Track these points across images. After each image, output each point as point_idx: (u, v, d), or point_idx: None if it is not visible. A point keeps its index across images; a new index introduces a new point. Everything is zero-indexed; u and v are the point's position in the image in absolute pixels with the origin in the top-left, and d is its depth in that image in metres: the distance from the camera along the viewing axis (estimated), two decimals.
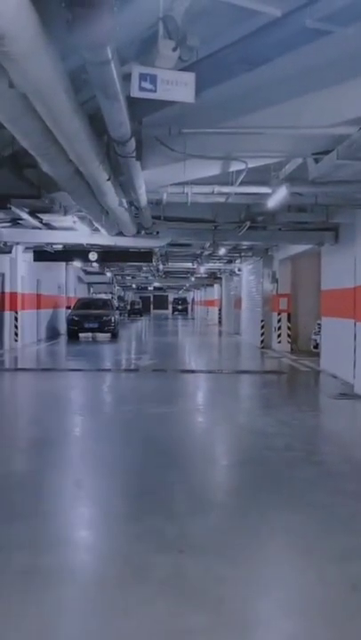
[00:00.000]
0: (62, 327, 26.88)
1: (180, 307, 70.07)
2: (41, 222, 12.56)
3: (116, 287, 46.74)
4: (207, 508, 5.03)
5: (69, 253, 18.72)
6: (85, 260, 18.39)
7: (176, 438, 7.55)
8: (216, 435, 8.29)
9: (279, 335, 19.78)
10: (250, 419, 9.21)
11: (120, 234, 13.64)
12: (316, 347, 16.04)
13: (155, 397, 10.76)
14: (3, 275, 18.84)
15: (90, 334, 25.54)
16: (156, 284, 53.95)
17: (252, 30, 4.86)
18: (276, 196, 9.82)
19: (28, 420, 9.19)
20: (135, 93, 4.70)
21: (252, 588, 3.70)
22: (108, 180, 7.73)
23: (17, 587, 3.64)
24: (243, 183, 9.07)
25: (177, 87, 4.67)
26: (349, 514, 4.89)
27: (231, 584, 3.71)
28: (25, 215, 11.53)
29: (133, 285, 54.13)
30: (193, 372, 14.86)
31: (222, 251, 19.17)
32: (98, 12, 3.85)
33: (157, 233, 14.43)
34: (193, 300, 70.33)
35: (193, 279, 40.68)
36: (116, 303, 33.37)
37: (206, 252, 19.88)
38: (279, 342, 19.71)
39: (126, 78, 5.08)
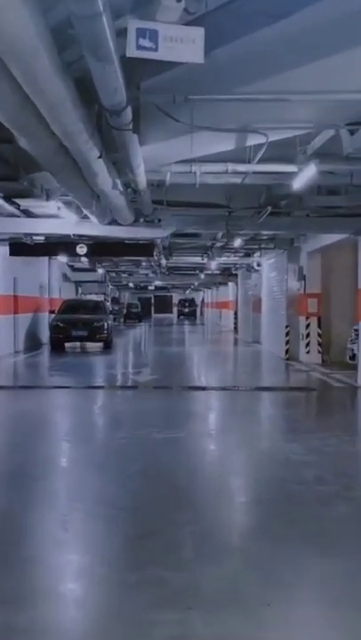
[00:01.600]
0: (45, 335, 26.95)
1: (186, 309, 70.21)
2: (18, 209, 12.62)
3: (110, 287, 46.85)
4: (221, 555, 5.02)
5: (53, 246, 18.77)
6: (73, 254, 18.45)
7: (183, 470, 7.55)
8: (231, 465, 8.28)
9: (308, 344, 19.77)
10: (273, 446, 9.20)
11: (114, 222, 13.68)
12: (353, 358, 16.04)
13: (157, 420, 10.77)
14: None
15: (78, 344, 25.59)
16: (158, 283, 54.04)
17: None
18: (304, 176, 9.84)
19: (4, 447, 9.21)
20: (132, 53, 4.72)
21: None
22: (100, 157, 7.77)
23: None
24: (262, 160, 9.11)
25: (182, 45, 4.70)
26: None
27: None
28: (0, 200, 11.59)
29: (131, 285, 54.24)
30: (203, 389, 14.87)
31: (238, 242, 19.21)
32: None
33: (159, 221, 14.46)
34: (203, 301, 70.41)
35: (202, 277, 40.74)
36: (109, 306, 33.43)
37: (218, 244, 19.95)
38: (308, 352, 19.70)
39: (121, 35, 5.11)
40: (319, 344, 19.73)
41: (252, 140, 8.24)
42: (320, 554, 5.01)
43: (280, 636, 3.86)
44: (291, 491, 6.65)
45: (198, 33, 4.74)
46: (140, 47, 4.70)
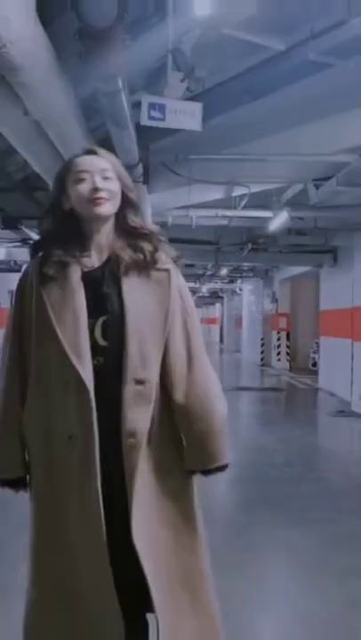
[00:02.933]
0: None
1: None
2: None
3: None
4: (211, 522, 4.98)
5: None
6: None
7: None
8: None
9: (279, 353, 19.76)
10: (250, 435, 9.16)
11: None
12: (315, 365, 16.03)
13: None
14: (12, 292, 18.87)
15: None
16: None
17: (257, 63, 4.92)
18: (278, 220, 9.86)
19: None
20: (145, 122, 4.74)
21: (255, 604, 3.66)
22: None
23: None
24: (245, 207, 9.11)
25: (185, 116, 4.72)
26: (350, 531, 4.85)
27: (235, 599, 3.67)
28: (35, 235, 11.57)
29: None
30: None
31: (224, 271, 19.21)
32: (110, 45, 3.89)
33: None
34: None
35: (195, 298, 40.77)
36: None
37: (209, 273, 19.94)
38: (278, 360, 19.68)
39: (135, 106, 5.12)
40: (288, 353, 19.72)
41: (238, 191, 8.25)
42: (292, 523, 4.98)
43: (257, 589, 3.83)
44: (265, 472, 6.61)
45: (197, 107, 4.76)
46: (150, 117, 4.71)
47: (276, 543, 4.58)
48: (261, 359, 20.81)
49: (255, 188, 7.94)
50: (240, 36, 4.53)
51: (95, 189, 1.97)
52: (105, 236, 2.05)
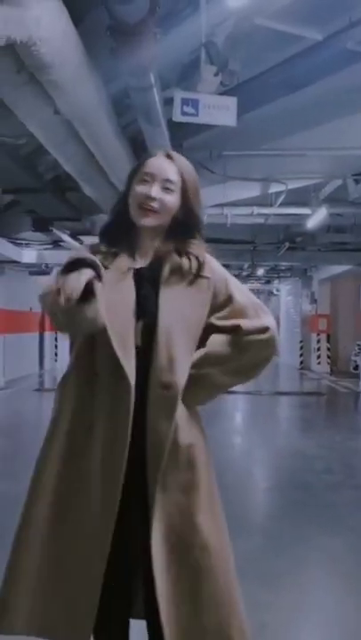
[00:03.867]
0: None
1: None
2: (81, 244, 12.71)
3: None
4: (246, 531, 4.97)
5: None
6: None
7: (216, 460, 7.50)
8: (255, 456, 8.23)
9: (318, 356, 19.61)
10: (289, 441, 9.12)
11: None
12: (357, 368, 15.87)
13: None
14: None
15: None
16: None
17: (293, 54, 4.90)
18: (316, 217, 9.82)
19: None
20: (178, 118, 4.77)
21: (293, 613, 3.65)
22: None
23: None
24: (282, 204, 9.11)
25: (219, 111, 4.73)
26: None
27: (272, 609, 3.67)
28: (66, 237, 11.71)
29: None
30: (230, 392, 14.77)
31: (261, 271, 19.16)
32: (141, 40, 3.93)
33: None
34: None
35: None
36: None
37: (245, 273, 19.90)
38: (318, 363, 19.53)
39: (168, 102, 5.16)
40: (328, 356, 19.56)
41: (274, 188, 8.25)
42: (331, 531, 4.94)
43: (295, 599, 3.81)
44: (304, 479, 6.58)
45: (232, 101, 4.77)
46: (184, 113, 4.74)
47: (315, 551, 4.54)
48: (301, 362, 20.68)
49: (292, 185, 7.93)
50: (275, 27, 4.53)
51: (148, 196, 1.98)
52: (152, 239, 2.06)
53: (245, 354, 2.04)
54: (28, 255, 13.83)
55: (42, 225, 11.27)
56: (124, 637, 2.10)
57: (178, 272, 2.01)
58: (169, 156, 2.04)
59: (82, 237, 12.17)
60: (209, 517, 2.03)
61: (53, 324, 1.93)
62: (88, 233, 11.54)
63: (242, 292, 2.12)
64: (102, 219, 10.27)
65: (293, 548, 4.58)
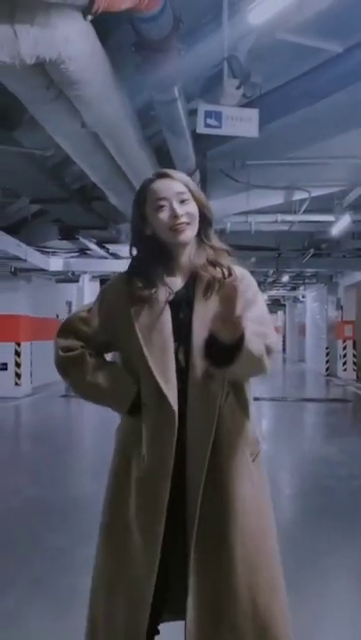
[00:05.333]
0: None
1: None
2: (107, 252, 12.89)
3: None
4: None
5: None
6: None
7: None
8: (280, 462, 8.28)
9: (344, 363, 19.54)
10: (314, 447, 9.16)
11: None
12: None
13: None
14: (70, 303, 19.32)
15: None
16: None
17: (313, 66, 5.00)
18: (340, 224, 9.88)
19: None
20: (201, 130, 4.89)
21: (318, 620, 3.71)
22: None
23: None
24: (306, 211, 9.18)
25: (241, 123, 4.84)
26: None
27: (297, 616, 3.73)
28: (92, 245, 11.87)
29: None
30: (256, 399, 14.77)
31: (286, 278, 19.20)
32: (165, 56, 4.08)
33: None
34: None
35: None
36: None
37: (270, 280, 19.93)
38: (345, 370, 19.47)
39: (192, 114, 5.29)
40: (354, 363, 19.49)
41: (298, 196, 8.34)
42: (352, 538, 4.99)
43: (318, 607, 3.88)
44: (328, 484, 6.63)
45: (254, 113, 4.87)
46: (207, 125, 4.84)
47: (339, 558, 4.60)
48: (326, 369, 20.62)
49: (316, 192, 8.00)
50: (296, 40, 4.65)
51: (175, 217, 2.05)
52: (188, 257, 2.15)
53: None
54: (55, 263, 14.03)
55: (68, 233, 11.46)
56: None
57: (210, 288, 2.10)
58: (164, 175, 2.13)
59: (108, 245, 12.35)
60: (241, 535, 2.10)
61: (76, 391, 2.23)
62: (114, 241, 11.72)
63: (258, 306, 2.18)
64: (128, 227, 10.41)
65: (317, 554, 4.62)
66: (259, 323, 2.05)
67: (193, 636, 1.99)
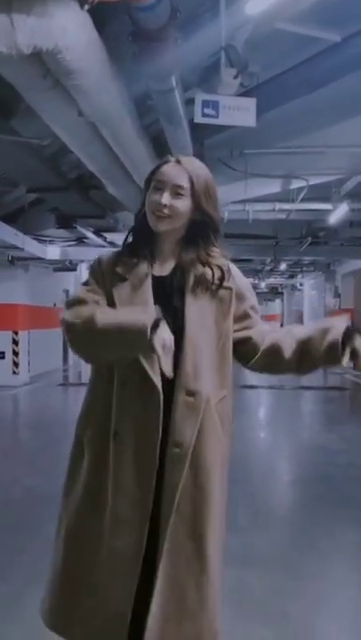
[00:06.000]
0: None
1: None
2: (105, 241, 12.88)
3: None
4: (270, 523, 5.09)
5: None
6: None
7: (238, 453, 7.59)
8: (279, 450, 8.33)
9: None
10: (312, 435, 9.21)
11: None
12: None
13: None
14: (67, 291, 19.33)
15: None
16: None
17: (311, 55, 4.99)
18: (338, 213, 9.88)
19: None
20: (199, 119, 4.88)
21: (317, 604, 3.76)
22: None
23: None
24: (304, 200, 9.18)
25: (239, 112, 4.84)
26: None
27: (297, 599, 3.78)
28: (90, 234, 11.86)
29: None
30: (253, 387, 14.83)
31: (283, 266, 19.22)
32: (162, 45, 4.06)
33: None
34: None
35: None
36: None
37: (267, 268, 19.96)
38: None
39: (189, 103, 5.28)
40: None
41: (295, 184, 8.33)
42: (351, 524, 5.04)
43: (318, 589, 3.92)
44: (327, 472, 6.67)
45: (251, 102, 4.87)
46: (204, 115, 4.84)
47: (338, 543, 4.65)
48: None
49: (313, 181, 8.00)
50: (294, 30, 4.64)
51: (158, 204, 2.06)
52: (169, 246, 2.16)
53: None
54: (52, 252, 14.03)
55: (66, 222, 11.44)
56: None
57: (202, 282, 2.10)
58: (179, 162, 2.11)
59: (105, 234, 12.34)
60: (216, 529, 2.09)
61: (93, 351, 2.04)
62: (111, 230, 11.70)
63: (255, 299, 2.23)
64: (125, 216, 10.42)
65: (316, 539, 4.68)
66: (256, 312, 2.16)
67: (157, 620, 1.98)
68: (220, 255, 2.18)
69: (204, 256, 2.14)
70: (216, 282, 2.11)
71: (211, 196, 2.13)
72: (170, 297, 2.10)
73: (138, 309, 2.01)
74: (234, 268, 2.20)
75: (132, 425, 2.01)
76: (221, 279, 2.11)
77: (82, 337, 2.02)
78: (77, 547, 2.11)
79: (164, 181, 2.08)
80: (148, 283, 2.09)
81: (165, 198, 2.06)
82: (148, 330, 1.85)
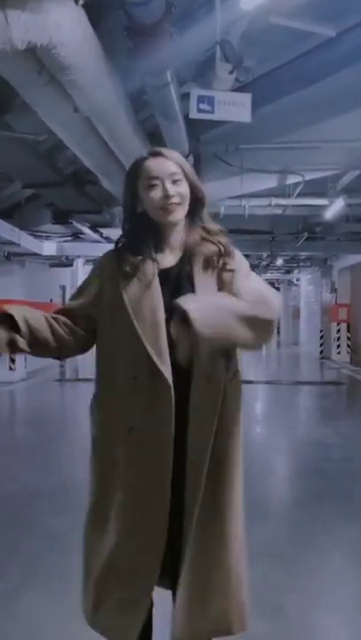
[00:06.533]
0: None
1: None
2: (101, 236, 12.87)
3: None
4: (266, 517, 5.10)
5: None
6: None
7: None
8: (275, 445, 8.35)
9: (338, 346, 19.62)
10: (308, 430, 9.23)
11: None
12: None
13: None
14: (64, 287, 19.32)
15: None
16: None
17: (306, 50, 4.99)
18: (334, 208, 9.88)
19: None
20: (194, 115, 4.89)
21: (313, 598, 3.78)
22: None
23: None
24: (300, 195, 9.18)
25: (234, 108, 4.84)
26: None
27: (293, 593, 3.80)
28: (86, 229, 11.86)
29: None
30: (250, 382, 14.86)
31: (280, 261, 19.22)
32: (157, 40, 4.07)
33: None
34: None
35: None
36: None
37: (264, 263, 19.94)
38: (338, 353, 19.54)
39: (185, 98, 5.28)
40: (348, 346, 19.56)
41: (291, 179, 8.33)
42: (346, 519, 5.06)
43: (314, 583, 3.94)
44: (323, 466, 6.69)
45: (246, 98, 4.87)
46: (200, 110, 4.84)
47: (333, 538, 4.67)
48: (321, 352, 20.70)
49: (309, 176, 8.00)
50: (289, 24, 4.63)
51: (167, 196, 2.08)
52: (178, 235, 2.18)
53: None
54: (49, 247, 14.01)
55: (62, 217, 11.43)
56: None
57: (209, 263, 2.14)
58: (158, 153, 2.14)
59: (101, 229, 12.34)
60: (233, 513, 2.18)
61: None
62: (108, 225, 11.70)
63: (249, 281, 2.20)
64: (121, 211, 10.43)
65: (312, 534, 4.71)
66: (254, 295, 2.10)
67: (184, 600, 2.06)
68: (217, 230, 2.22)
69: (205, 233, 2.18)
70: (221, 262, 2.14)
71: (193, 171, 2.20)
72: (179, 287, 2.11)
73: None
74: (237, 254, 2.22)
75: (146, 419, 2.04)
76: (225, 257, 2.15)
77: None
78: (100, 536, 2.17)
79: (158, 176, 2.10)
80: (156, 280, 2.11)
81: (171, 189, 2.09)
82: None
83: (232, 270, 2.15)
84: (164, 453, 2.03)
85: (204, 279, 2.11)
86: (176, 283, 2.12)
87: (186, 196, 2.12)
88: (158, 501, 2.04)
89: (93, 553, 2.17)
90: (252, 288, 2.15)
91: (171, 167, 2.11)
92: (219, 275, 2.13)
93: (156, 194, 2.09)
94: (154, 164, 2.12)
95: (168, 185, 2.08)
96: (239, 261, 2.21)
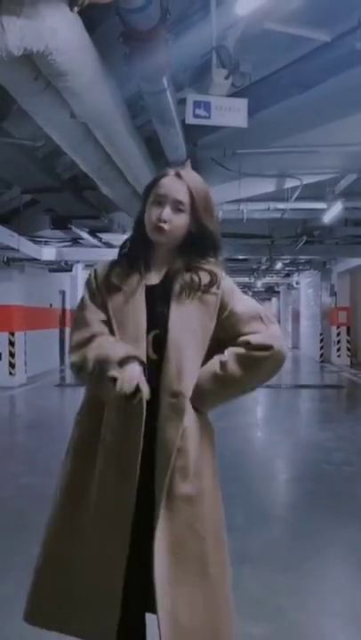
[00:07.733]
0: None
1: None
2: (100, 241, 12.88)
3: None
4: (266, 520, 5.10)
5: None
6: None
7: (235, 451, 7.61)
8: (275, 448, 8.34)
9: (338, 349, 19.62)
10: (308, 433, 9.23)
11: None
12: None
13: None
14: (63, 292, 19.33)
15: None
16: None
17: (302, 55, 5.01)
18: (332, 211, 9.89)
19: None
20: (190, 120, 4.90)
21: (312, 600, 3.78)
22: None
23: None
24: (298, 199, 9.19)
25: (230, 113, 4.85)
26: None
27: (292, 595, 3.80)
28: (85, 235, 11.86)
29: None
30: None
31: (279, 265, 19.22)
32: (153, 46, 4.07)
33: None
34: None
35: (250, 293, 40.60)
36: None
37: (263, 267, 19.95)
38: (338, 356, 19.54)
39: (181, 103, 5.29)
40: (348, 349, 19.56)
41: (289, 184, 8.35)
42: (346, 521, 5.06)
43: (314, 586, 3.94)
44: (323, 469, 6.69)
45: (243, 103, 4.88)
46: (196, 116, 4.85)
47: (333, 540, 4.67)
48: (321, 355, 20.70)
49: (307, 180, 8.02)
50: (284, 30, 4.65)
51: (159, 219, 2.09)
52: (164, 254, 2.20)
53: (251, 370, 2.17)
54: (48, 253, 14.02)
55: (61, 223, 11.44)
56: (141, 631, 2.22)
57: (188, 288, 2.13)
58: (179, 176, 2.14)
59: (100, 234, 12.35)
60: (211, 528, 2.13)
61: (82, 380, 2.15)
62: (106, 230, 11.71)
63: (245, 304, 2.20)
64: (120, 216, 10.43)
65: (312, 537, 4.70)
66: (251, 317, 2.15)
67: (162, 569, 2.03)
68: (214, 264, 2.20)
69: (195, 264, 2.17)
70: (202, 287, 2.13)
71: (209, 210, 2.17)
72: (159, 304, 2.13)
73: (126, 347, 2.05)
74: (228, 280, 2.21)
75: (117, 432, 2.07)
76: (208, 284, 2.14)
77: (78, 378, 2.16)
78: (61, 539, 2.24)
79: (164, 195, 2.11)
80: (141, 293, 2.14)
81: (166, 214, 2.09)
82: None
83: (215, 293, 2.15)
84: (132, 463, 2.05)
85: (179, 300, 2.12)
86: (157, 300, 2.14)
87: (178, 228, 2.12)
88: (123, 509, 2.06)
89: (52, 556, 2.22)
90: (248, 307, 2.19)
91: (180, 194, 2.11)
92: (200, 297, 2.13)
93: (155, 212, 2.11)
94: (167, 184, 2.13)
95: (167, 209, 2.09)
96: (230, 286, 2.21)
